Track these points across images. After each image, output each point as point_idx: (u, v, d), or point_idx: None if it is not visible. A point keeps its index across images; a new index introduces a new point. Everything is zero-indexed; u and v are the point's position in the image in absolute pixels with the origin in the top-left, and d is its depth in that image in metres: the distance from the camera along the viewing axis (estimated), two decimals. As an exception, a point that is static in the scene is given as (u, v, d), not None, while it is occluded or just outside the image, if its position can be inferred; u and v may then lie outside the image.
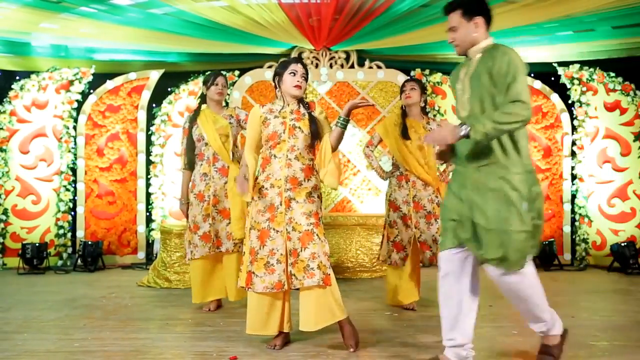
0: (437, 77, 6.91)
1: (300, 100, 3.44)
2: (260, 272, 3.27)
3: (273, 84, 3.48)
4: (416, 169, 4.31)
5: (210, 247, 4.31)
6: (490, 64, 2.75)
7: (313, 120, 3.37)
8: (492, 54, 2.79)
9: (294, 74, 3.37)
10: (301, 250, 3.23)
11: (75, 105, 6.77)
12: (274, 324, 3.34)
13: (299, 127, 3.35)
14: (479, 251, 2.81)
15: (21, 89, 6.65)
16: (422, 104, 4.45)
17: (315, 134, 3.36)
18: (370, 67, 6.94)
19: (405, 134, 4.32)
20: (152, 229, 6.78)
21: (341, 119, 3.33)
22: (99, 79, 6.91)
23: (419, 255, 4.35)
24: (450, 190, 2.96)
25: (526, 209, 2.74)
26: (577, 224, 6.73)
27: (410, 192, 4.34)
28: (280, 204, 3.29)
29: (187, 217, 4.42)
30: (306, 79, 3.43)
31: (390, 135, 4.39)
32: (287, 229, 3.27)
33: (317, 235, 3.26)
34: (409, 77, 4.96)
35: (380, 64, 6.94)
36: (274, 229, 3.28)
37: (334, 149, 3.38)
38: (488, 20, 3.00)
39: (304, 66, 3.44)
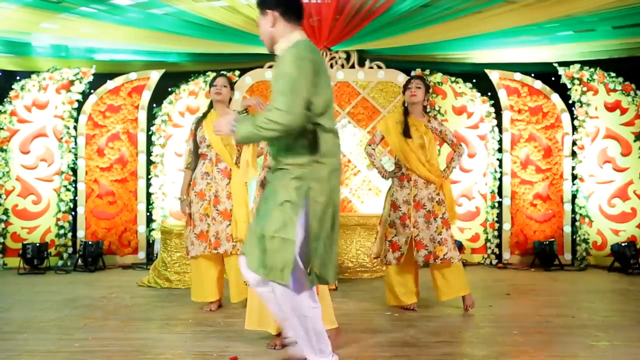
0: (438, 77, 6.91)
1: None
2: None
3: None
4: (417, 168, 4.31)
5: (206, 246, 4.31)
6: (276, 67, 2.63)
7: None
8: (281, 55, 2.63)
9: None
10: None
11: (76, 105, 6.77)
12: (274, 322, 3.32)
13: None
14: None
15: (22, 89, 6.65)
16: (425, 103, 4.45)
17: None
18: (371, 67, 6.94)
19: (406, 132, 4.31)
20: (153, 229, 6.78)
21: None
22: (99, 79, 6.91)
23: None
24: None
25: (296, 216, 2.56)
26: (577, 224, 6.73)
27: (411, 191, 4.33)
28: None
29: (188, 214, 4.42)
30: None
31: (392, 133, 4.39)
32: None
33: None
34: (414, 75, 4.93)
35: (381, 64, 6.94)
36: None
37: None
38: (287, 14, 2.73)
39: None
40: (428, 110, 4.68)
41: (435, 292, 4.38)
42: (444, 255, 4.23)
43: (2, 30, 6.30)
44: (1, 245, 6.45)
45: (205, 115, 4.45)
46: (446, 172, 4.47)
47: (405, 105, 4.42)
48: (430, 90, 4.52)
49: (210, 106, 4.50)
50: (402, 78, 6.91)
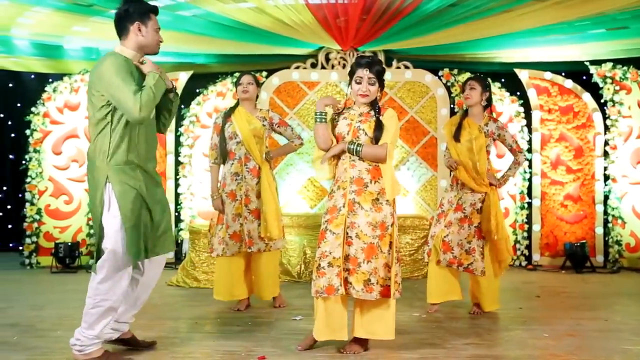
0: (466, 76, 6.83)
1: (372, 103, 3.33)
2: (314, 276, 3.21)
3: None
4: (461, 173, 4.21)
5: (240, 246, 4.33)
6: None
7: (379, 125, 3.26)
8: None
9: (360, 82, 3.27)
10: (363, 262, 3.17)
11: (106, 106, 6.86)
12: (345, 328, 3.27)
13: (363, 130, 3.27)
14: None
15: (54, 91, 6.78)
16: (484, 104, 4.30)
17: (377, 140, 3.25)
18: (398, 67, 6.91)
19: (456, 136, 4.22)
20: (181, 229, 6.85)
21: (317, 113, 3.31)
22: (129, 81, 6.99)
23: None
24: None
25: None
26: (610, 225, 6.60)
27: (457, 194, 4.28)
28: (343, 206, 3.22)
29: (222, 211, 4.39)
30: (379, 81, 3.28)
31: (447, 135, 4.32)
32: (347, 233, 3.20)
33: (381, 248, 3.20)
34: (472, 76, 4.72)
35: (408, 64, 6.90)
36: (330, 231, 3.20)
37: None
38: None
39: (373, 68, 3.26)
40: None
41: (471, 299, 4.34)
42: (469, 264, 4.16)
43: (36, 34, 6.45)
44: (35, 244, 6.58)
45: (232, 110, 4.42)
46: (499, 180, 4.32)
47: (465, 107, 4.34)
48: (489, 89, 4.34)
49: (238, 102, 4.50)
50: (429, 78, 6.87)
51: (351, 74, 3.33)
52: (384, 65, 3.38)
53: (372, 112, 3.32)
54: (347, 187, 3.24)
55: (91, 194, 3.08)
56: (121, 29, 3.17)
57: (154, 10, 3.16)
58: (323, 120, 3.30)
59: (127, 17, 3.12)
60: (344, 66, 6.87)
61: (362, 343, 3.32)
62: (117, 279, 3.01)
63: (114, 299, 3.01)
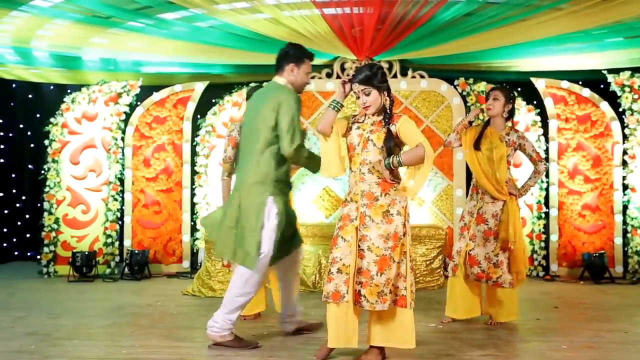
0: (482, 85, 6.82)
1: (382, 111, 3.32)
2: (324, 281, 3.26)
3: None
4: (481, 181, 4.18)
5: None
6: None
7: (389, 135, 3.24)
8: None
9: (359, 97, 3.28)
10: (377, 275, 3.17)
11: (123, 117, 6.94)
12: (354, 335, 3.26)
13: (372, 140, 3.26)
14: None
15: (72, 101, 6.86)
16: (506, 115, 4.25)
17: (388, 150, 3.23)
18: (413, 77, 6.90)
19: (476, 145, 4.18)
20: (197, 239, 6.88)
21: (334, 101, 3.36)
22: (145, 91, 7.08)
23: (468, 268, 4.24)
24: None
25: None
26: (629, 235, 6.50)
27: (477, 204, 4.25)
28: (355, 219, 3.26)
29: None
30: (374, 87, 3.25)
31: (467, 144, 4.25)
32: (359, 246, 3.22)
33: (394, 259, 3.20)
34: (496, 86, 4.64)
35: (424, 73, 6.89)
36: (342, 237, 3.24)
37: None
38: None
39: (358, 79, 3.25)
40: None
41: (487, 309, 4.29)
42: (497, 277, 4.13)
43: (55, 45, 6.53)
44: (52, 253, 6.64)
45: None
46: (520, 190, 4.29)
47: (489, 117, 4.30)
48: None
49: None
50: (445, 87, 6.85)
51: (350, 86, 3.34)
52: (374, 69, 3.29)
53: (384, 121, 3.30)
54: (359, 200, 3.27)
55: (247, 206, 3.54)
56: (279, 65, 3.70)
57: (309, 56, 3.75)
58: (337, 108, 3.33)
59: (286, 57, 3.69)
60: (359, 76, 6.87)
61: (379, 352, 3.30)
62: (263, 276, 3.62)
63: (255, 291, 3.62)
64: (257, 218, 3.49)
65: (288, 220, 3.63)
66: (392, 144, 3.24)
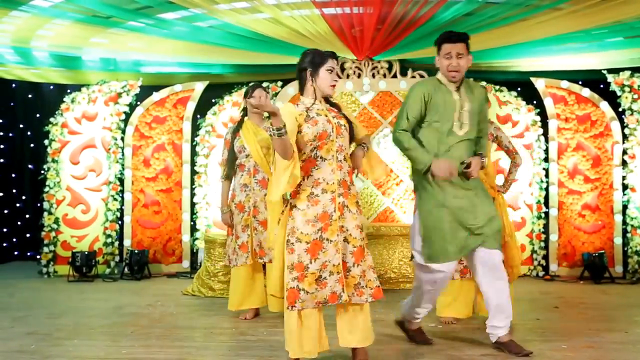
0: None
1: (326, 98, 3.23)
2: (312, 289, 3.01)
3: (301, 76, 3.18)
4: None
5: (247, 257, 4.37)
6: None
7: (349, 120, 3.22)
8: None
9: (331, 71, 3.14)
10: (353, 266, 3.07)
11: (123, 117, 6.94)
12: (323, 342, 3.14)
13: (344, 126, 3.15)
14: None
15: (72, 101, 6.86)
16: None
17: (352, 135, 3.20)
18: (413, 77, 6.90)
19: None
20: (197, 238, 6.88)
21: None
22: (145, 91, 7.08)
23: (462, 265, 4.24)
24: None
25: None
26: (629, 235, 6.50)
27: None
28: (335, 211, 3.05)
29: (230, 225, 4.47)
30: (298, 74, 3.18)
31: None
32: (339, 238, 3.05)
33: (366, 250, 3.14)
34: (495, 85, 4.67)
35: (423, 73, 6.89)
36: (327, 239, 3.03)
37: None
38: None
39: (337, 60, 3.22)
40: None
41: (478, 305, 4.29)
42: None
43: (55, 45, 6.53)
44: (52, 253, 6.64)
45: (240, 124, 4.50)
46: (504, 186, 4.31)
47: None
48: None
49: (244, 114, 4.54)
50: (445, 87, 6.84)
51: (319, 62, 3.20)
52: (303, 57, 3.21)
53: (335, 107, 3.24)
54: (336, 189, 3.08)
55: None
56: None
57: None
58: (283, 133, 2.88)
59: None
60: (359, 76, 6.88)
61: (365, 351, 3.23)
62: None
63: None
64: None
65: None
66: (352, 127, 3.23)
